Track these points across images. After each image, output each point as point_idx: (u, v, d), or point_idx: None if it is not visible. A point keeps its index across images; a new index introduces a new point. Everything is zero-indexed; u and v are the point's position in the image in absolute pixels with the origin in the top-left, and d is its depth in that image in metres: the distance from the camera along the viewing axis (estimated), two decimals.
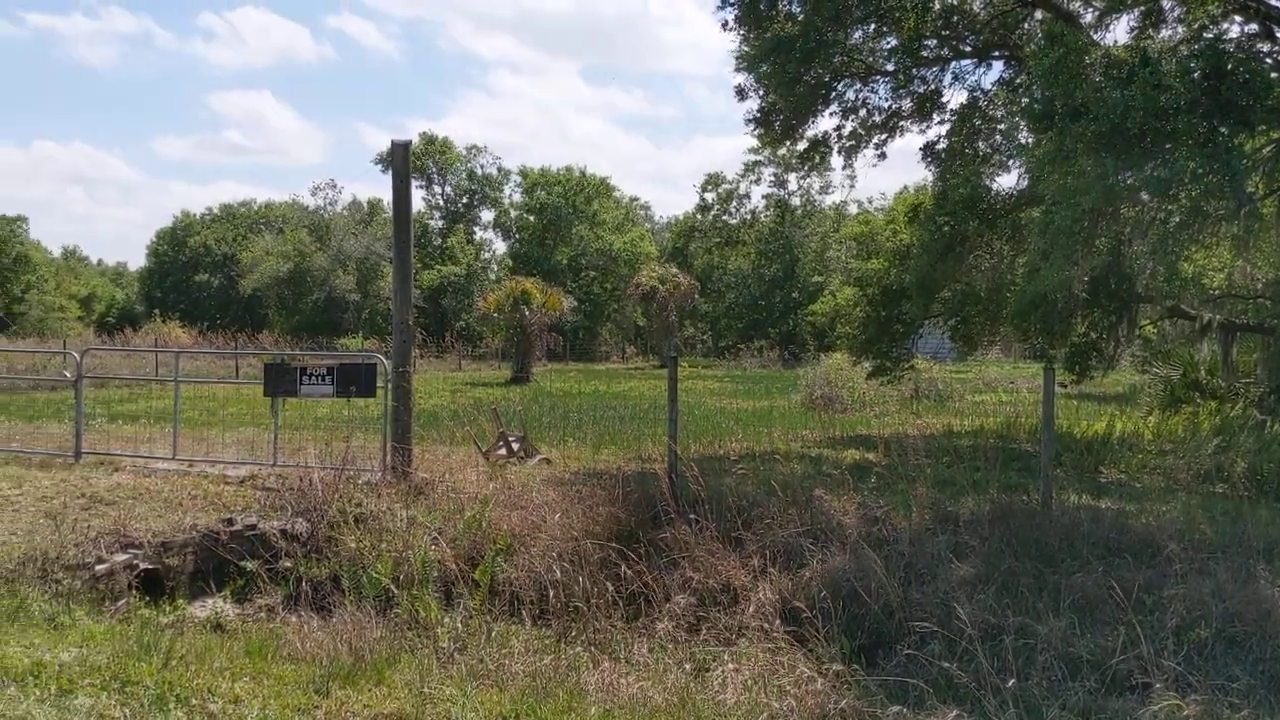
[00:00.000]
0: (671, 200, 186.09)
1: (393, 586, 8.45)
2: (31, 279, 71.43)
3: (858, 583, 7.84)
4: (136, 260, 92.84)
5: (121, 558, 8.65)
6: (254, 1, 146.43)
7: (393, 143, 11.99)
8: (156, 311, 64.24)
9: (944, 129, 17.06)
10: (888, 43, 16.01)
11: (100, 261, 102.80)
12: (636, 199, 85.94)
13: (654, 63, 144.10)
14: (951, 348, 28.86)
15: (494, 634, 7.47)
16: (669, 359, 11.64)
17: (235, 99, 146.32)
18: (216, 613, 8.35)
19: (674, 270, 51.75)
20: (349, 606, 7.74)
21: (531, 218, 68.42)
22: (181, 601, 8.52)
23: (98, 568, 8.39)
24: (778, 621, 7.59)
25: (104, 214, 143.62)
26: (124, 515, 9.71)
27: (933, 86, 16.52)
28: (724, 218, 66.22)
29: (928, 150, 17.32)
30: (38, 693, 5.30)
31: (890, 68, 16.13)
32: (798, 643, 7.08)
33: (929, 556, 8.43)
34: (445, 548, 9.11)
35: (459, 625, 7.88)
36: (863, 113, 16.74)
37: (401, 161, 11.84)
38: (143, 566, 8.73)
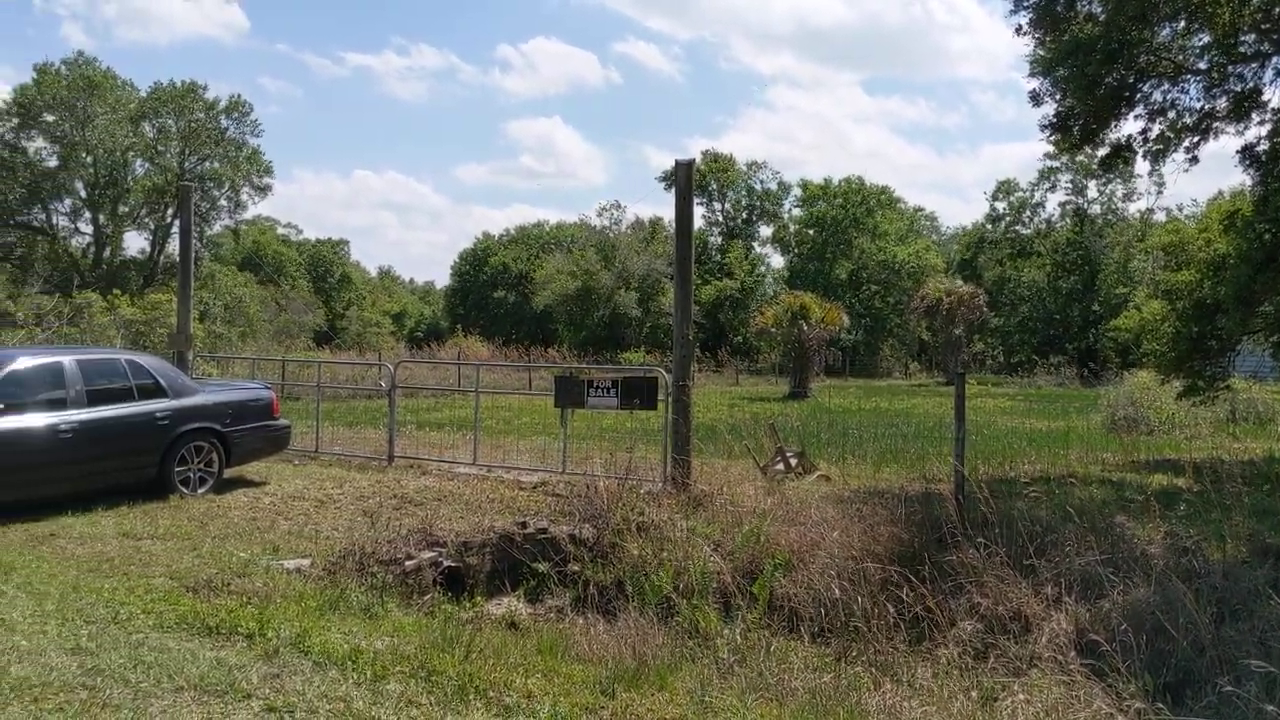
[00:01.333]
0: (956, 210, 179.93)
1: (673, 595, 8.63)
2: (352, 297, 78.51)
3: (1163, 616, 7.25)
4: (442, 279, 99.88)
5: (428, 555, 9.31)
6: (546, 32, 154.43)
7: (676, 162, 12.30)
8: (459, 326, 68.86)
9: (1264, 130, 15.55)
10: (1199, 40, 14.82)
11: (411, 280, 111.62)
12: (921, 209, 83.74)
13: (938, 70, 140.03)
14: (1274, 366, 26.22)
15: (773, 649, 7.45)
16: (956, 375, 11.25)
17: (529, 126, 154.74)
18: (511, 611, 8.82)
19: (960, 283, 49.96)
20: (632, 612, 7.96)
21: (811, 231, 68.10)
22: (480, 598, 9.06)
23: (407, 563, 9.06)
24: (1073, 653, 7.14)
25: (414, 237, 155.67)
26: (430, 515, 10.45)
27: (1251, 84, 15.09)
28: (1016, 227, 63.33)
29: (1246, 153, 15.82)
30: (355, 677, 5.78)
31: (1203, 66, 14.91)
32: (1095, 676, 6.63)
33: (1245, 591, 7.67)
34: (723, 560, 9.22)
35: (738, 637, 7.93)
36: (1171, 114, 15.54)
37: (684, 179, 12.11)
38: (446, 564, 9.36)
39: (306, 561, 8.80)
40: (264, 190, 56.71)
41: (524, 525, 10.05)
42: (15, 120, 49.26)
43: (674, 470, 11.66)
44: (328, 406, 20.05)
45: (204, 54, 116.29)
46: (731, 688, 6.21)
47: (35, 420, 10.08)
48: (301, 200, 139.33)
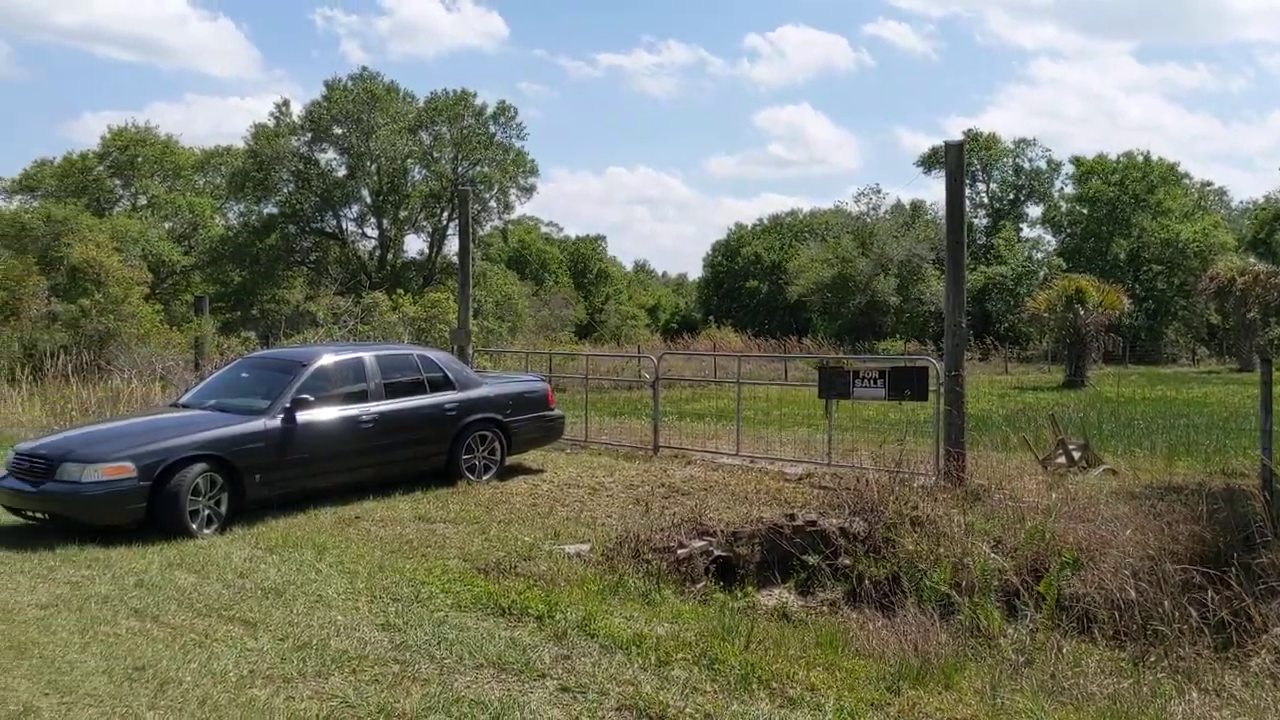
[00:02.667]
0: (1240, 183, 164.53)
1: (951, 592, 8.35)
2: (609, 291, 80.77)
3: None
4: (693, 271, 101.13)
5: (698, 544, 9.44)
6: (794, 19, 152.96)
7: (946, 144, 11.89)
8: (711, 318, 69.52)
9: None
10: None
11: (664, 274, 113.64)
12: (1209, 184, 77.17)
13: (1220, 33, 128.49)
14: None
15: (1064, 651, 7.07)
16: (1262, 362, 10.30)
17: (777, 114, 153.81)
18: (782, 602, 8.80)
19: (1255, 261, 45.73)
20: (910, 608, 7.77)
21: (1085, 210, 64.22)
22: (750, 589, 9.09)
23: (679, 551, 9.22)
24: None
25: (664, 230, 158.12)
26: (698, 505, 10.59)
27: None
28: None
29: None
30: (640, 661, 5.94)
31: None
32: None
33: None
34: (1005, 557, 8.83)
35: (1025, 638, 7.58)
36: None
37: (955, 161, 11.69)
38: (717, 553, 9.46)
39: (585, 547, 9.13)
40: (529, 191, 59.33)
41: (792, 517, 10.00)
42: (309, 135, 53.79)
43: (947, 463, 11.28)
44: (591, 398, 20.71)
45: (468, 63, 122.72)
46: (1021, 690, 5.94)
47: (341, 412, 10.95)
48: (558, 198, 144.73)
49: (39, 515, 9.51)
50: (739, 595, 8.80)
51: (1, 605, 7.07)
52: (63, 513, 9.26)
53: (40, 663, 5.89)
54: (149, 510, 9.20)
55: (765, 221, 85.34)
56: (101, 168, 55.60)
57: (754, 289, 75.38)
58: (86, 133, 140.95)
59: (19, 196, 54.63)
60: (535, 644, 6.23)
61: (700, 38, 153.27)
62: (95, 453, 9.35)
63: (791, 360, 34.65)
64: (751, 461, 13.75)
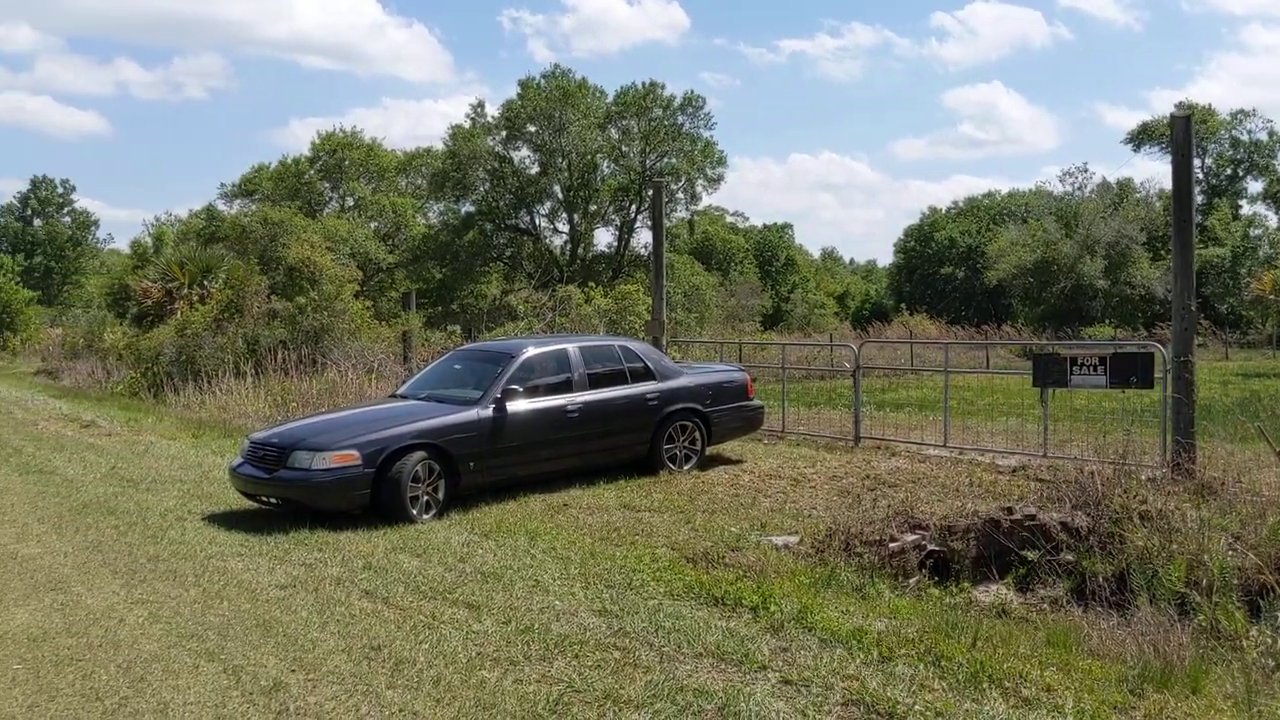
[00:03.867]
0: None
1: (1187, 590, 7.82)
2: (796, 279, 79.95)
3: None
4: (883, 257, 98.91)
5: (911, 537, 9.16)
6: None
7: (1172, 117, 11.15)
8: (903, 305, 67.82)
9: None
10: None
11: (851, 260, 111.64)
12: None
13: None
14: None
15: None
16: None
17: (967, 94, 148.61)
18: (1001, 599, 8.44)
19: None
20: (1143, 607, 7.32)
21: None
22: (965, 585, 8.76)
23: (891, 545, 8.98)
24: None
25: (850, 216, 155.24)
26: (908, 498, 10.30)
27: None
28: None
29: None
30: (862, 656, 5.80)
31: None
32: None
33: None
34: (1246, 554, 8.21)
35: (1271, 640, 7.03)
36: None
37: (1183, 136, 10.94)
38: (930, 547, 9.16)
39: (794, 538, 9.02)
40: (716, 181, 59.25)
41: (1010, 511, 9.57)
42: (503, 133, 55.39)
43: (1176, 454, 10.59)
44: (790, 388, 20.48)
45: (650, 56, 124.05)
46: (1277, 697, 5.50)
47: (547, 402, 11.20)
48: (741, 187, 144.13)
49: (272, 500, 10.10)
50: (954, 591, 8.49)
51: (246, 585, 7.54)
52: (293, 498, 9.81)
53: (284, 640, 6.24)
54: (373, 496, 9.65)
55: (960, 204, 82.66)
56: (312, 171, 58.91)
57: (949, 274, 73.10)
58: (294, 139, 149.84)
59: (239, 200, 58.59)
60: (752, 635, 6.18)
61: (885, 19, 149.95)
62: (323, 441, 9.86)
63: (992, 347, 33.38)
64: (960, 453, 13.30)
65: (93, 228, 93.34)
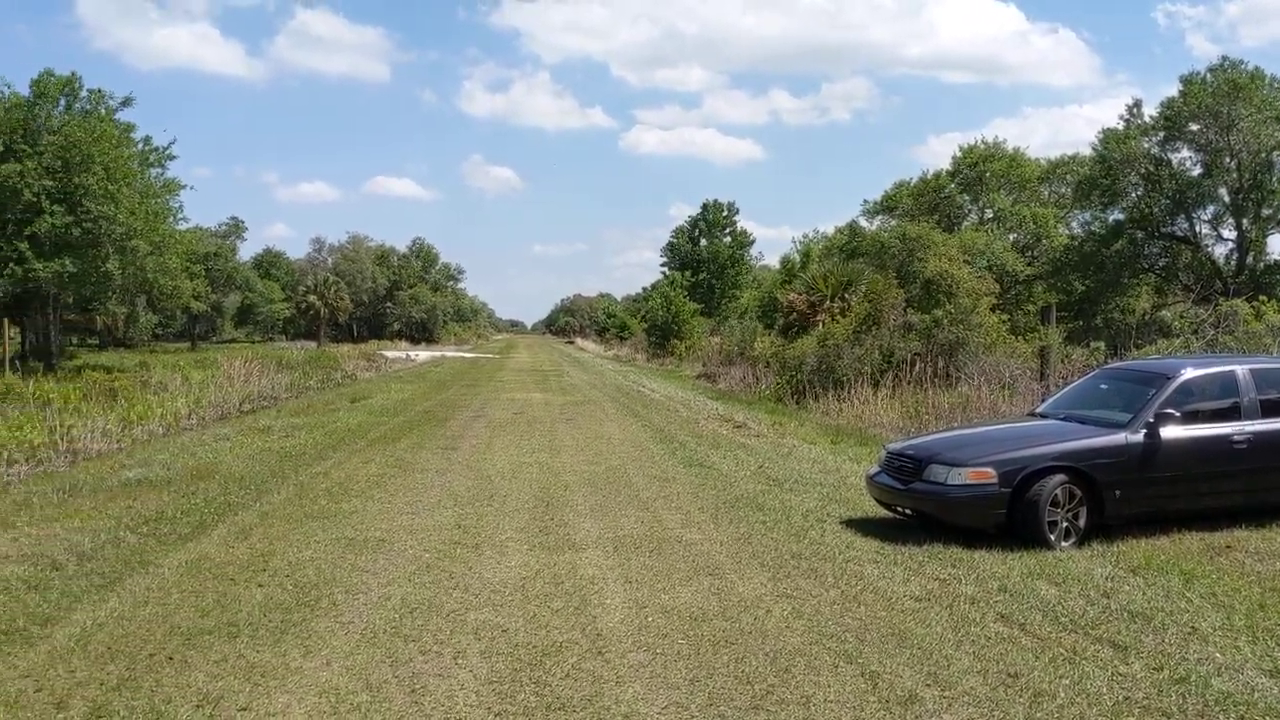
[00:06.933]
0: None
1: None
2: None
3: None
4: None
5: None
6: None
7: None
8: None
9: None
10: None
11: None
12: None
13: None
14: None
15: None
16: None
17: None
18: None
19: None
20: None
21: None
22: None
23: None
24: None
25: None
26: None
27: None
28: None
29: None
30: None
31: None
32: None
33: None
34: None
35: None
36: None
37: None
38: None
39: None
40: None
41: None
42: (1161, 134, 50.91)
43: None
44: None
45: None
46: None
47: (1210, 430, 10.04)
48: None
49: (905, 511, 10.25)
50: None
51: (882, 592, 7.73)
52: (927, 511, 9.86)
53: (919, 653, 6.28)
54: (1008, 516, 9.36)
55: None
56: (952, 185, 59.14)
57: None
58: (931, 155, 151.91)
59: (879, 216, 60.66)
60: None
61: None
62: (959, 456, 9.79)
63: None
64: None
65: (748, 246, 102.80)
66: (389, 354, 57.19)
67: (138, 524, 9.84)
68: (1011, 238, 56.30)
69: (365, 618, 6.95)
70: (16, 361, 38.55)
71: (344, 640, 6.46)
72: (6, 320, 39.36)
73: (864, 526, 10.24)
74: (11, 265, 38.69)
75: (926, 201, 57.30)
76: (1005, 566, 8.49)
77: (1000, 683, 5.74)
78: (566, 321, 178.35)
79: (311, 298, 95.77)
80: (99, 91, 43.56)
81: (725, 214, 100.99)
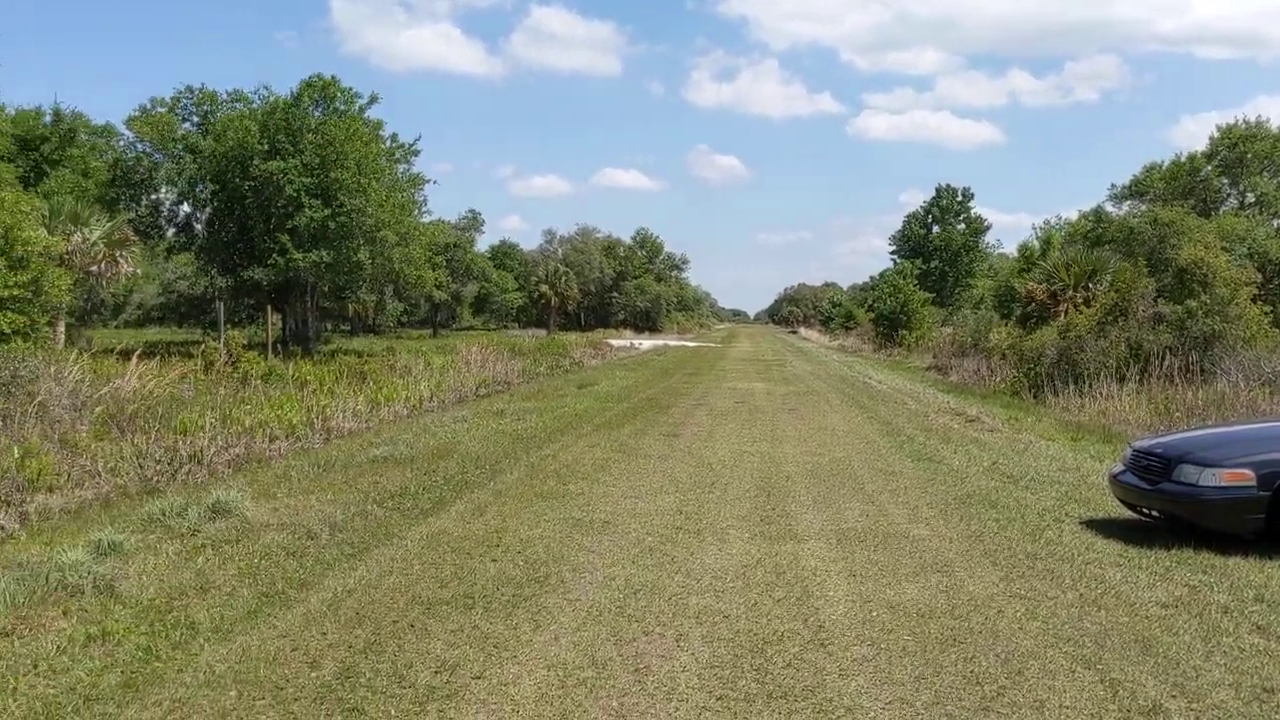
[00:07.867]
0: None
1: None
2: None
3: None
4: None
5: None
6: None
7: None
8: None
9: None
10: None
11: None
12: None
13: None
14: None
15: None
16: None
17: None
18: None
19: None
20: None
21: None
22: None
23: None
24: None
25: None
26: None
27: None
28: None
29: None
30: None
31: None
32: None
33: None
34: None
35: None
36: None
37: None
38: None
39: None
40: None
41: None
42: None
43: None
44: None
45: None
46: None
47: None
48: None
49: (1153, 513, 9.61)
50: None
51: (1124, 597, 7.29)
52: (1177, 513, 9.22)
53: (1165, 662, 5.89)
54: (1268, 522, 8.63)
55: None
56: (1209, 167, 54.87)
57: None
58: (1186, 135, 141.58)
59: (1128, 202, 56.96)
60: None
61: None
62: (1213, 456, 9.10)
63: None
64: None
65: (984, 233, 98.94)
66: (614, 342, 58.68)
67: (383, 498, 10.50)
68: (1276, 224, 51.71)
69: (591, 596, 7.15)
70: (278, 346, 41.79)
71: (571, 617, 6.67)
72: (270, 308, 42.83)
73: (1105, 528, 9.69)
74: (275, 256, 42.06)
75: (1180, 185, 53.42)
76: (1263, 575, 7.84)
77: (1255, 697, 5.31)
78: (790, 311, 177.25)
79: (543, 287, 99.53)
80: (350, 91, 46.66)
81: (959, 200, 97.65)
